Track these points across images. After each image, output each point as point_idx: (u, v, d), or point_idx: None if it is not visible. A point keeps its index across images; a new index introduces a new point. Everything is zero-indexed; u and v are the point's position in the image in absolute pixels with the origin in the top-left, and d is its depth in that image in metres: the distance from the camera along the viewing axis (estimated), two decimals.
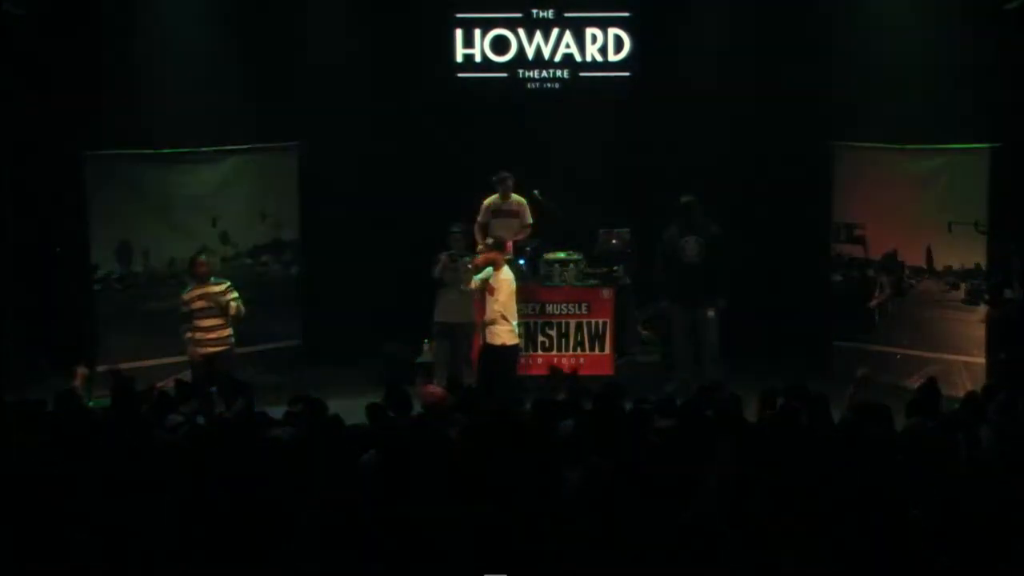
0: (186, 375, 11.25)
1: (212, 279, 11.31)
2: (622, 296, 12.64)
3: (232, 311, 11.13)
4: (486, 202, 13.04)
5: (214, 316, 11.13)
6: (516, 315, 11.61)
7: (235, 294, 11.24)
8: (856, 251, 13.17)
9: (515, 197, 13.03)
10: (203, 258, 11.43)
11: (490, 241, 11.75)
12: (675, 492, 6.70)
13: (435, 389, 10.05)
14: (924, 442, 7.73)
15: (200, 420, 9.13)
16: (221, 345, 11.15)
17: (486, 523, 6.18)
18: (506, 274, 11.56)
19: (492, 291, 11.40)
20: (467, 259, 12.14)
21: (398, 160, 14.00)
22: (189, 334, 11.15)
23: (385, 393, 9.03)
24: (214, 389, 10.14)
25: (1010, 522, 6.31)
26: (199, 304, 11.12)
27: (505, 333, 11.44)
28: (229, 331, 11.20)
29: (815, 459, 7.41)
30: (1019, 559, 6.08)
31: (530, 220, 13.03)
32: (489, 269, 11.48)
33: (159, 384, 10.38)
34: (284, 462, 7.31)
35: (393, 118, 13.95)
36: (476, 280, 11.55)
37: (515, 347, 11.64)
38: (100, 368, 12.13)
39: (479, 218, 13.05)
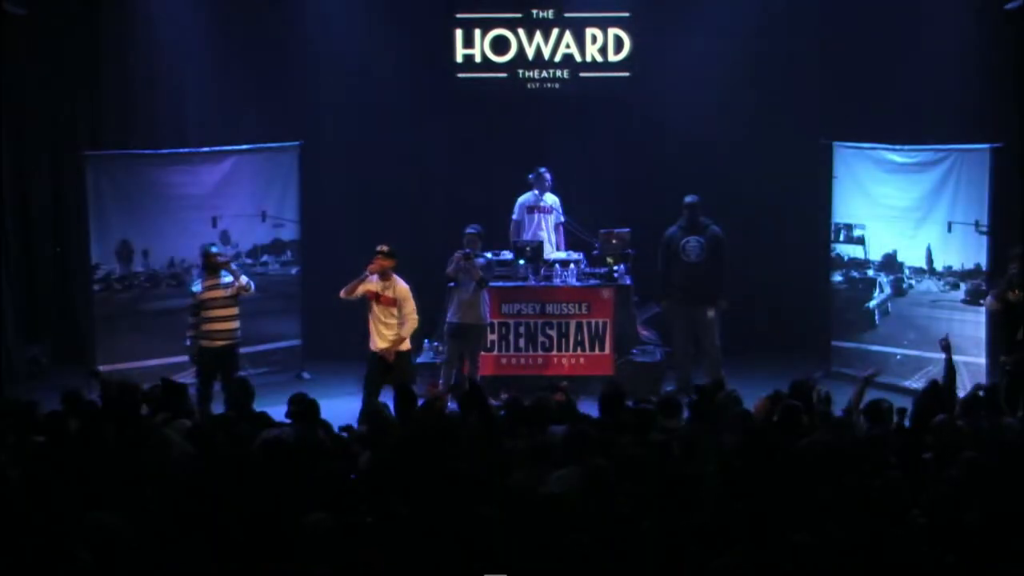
0: (180, 375, 11.23)
1: (222, 272, 11.32)
2: (622, 296, 12.64)
3: (243, 285, 11.09)
4: (520, 199, 13.09)
5: (224, 307, 11.14)
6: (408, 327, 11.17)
7: (246, 279, 11.26)
8: (856, 251, 13.18)
9: (550, 195, 13.07)
10: (215, 250, 11.39)
11: (385, 249, 11.12)
12: (677, 491, 6.69)
13: (441, 391, 10.04)
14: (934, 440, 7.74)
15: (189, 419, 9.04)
16: (229, 339, 11.16)
17: (485, 523, 6.18)
18: (403, 284, 11.13)
19: (389, 301, 11.01)
20: (481, 260, 12.12)
21: (398, 160, 14.00)
22: (193, 331, 11.13)
23: (394, 394, 9.02)
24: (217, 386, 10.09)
25: (1010, 523, 6.31)
26: (209, 295, 11.11)
27: (398, 341, 11.10)
28: (237, 324, 11.22)
29: (816, 458, 7.41)
30: (1019, 560, 6.08)
31: (563, 219, 13.06)
32: (375, 277, 11.04)
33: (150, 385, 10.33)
34: (284, 462, 7.30)
35: (393, 118, 13.95)
36: (359, 289, 11.06)
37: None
38: (99, 368, 12.16)
39: (513, 215, 13.09)
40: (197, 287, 11.20)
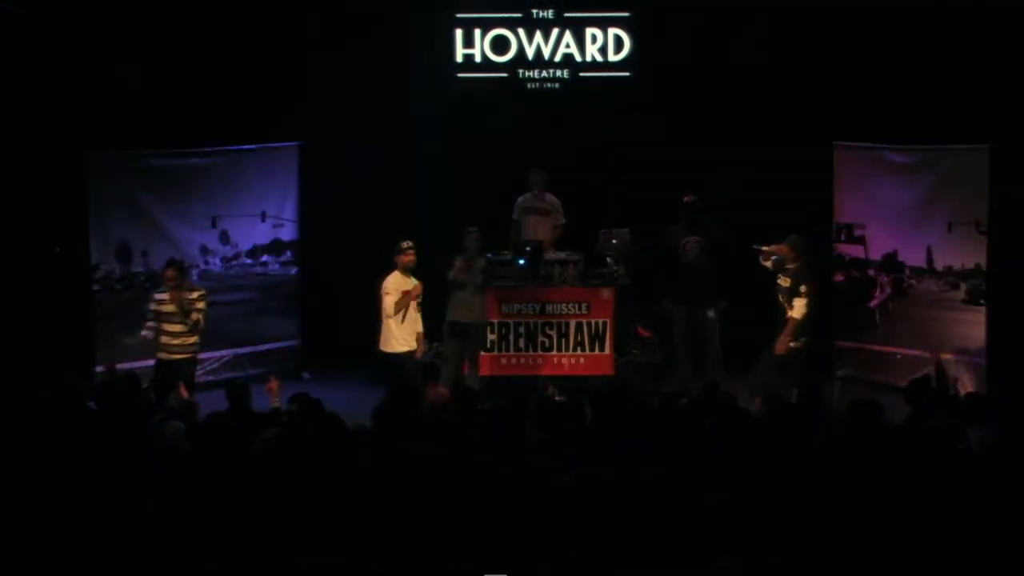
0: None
1: (187, 286, 11.25)
2: (622, 296, 12.64)
3: (192, 318, 11.07)
4: (520, 199, 13.13)
5: (181, 322, 11.11)
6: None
7: (203, 304, 11.19)
8: (856, 251, 13.18)
9: (549, 195, 13.10)
10: (171, 271, 11.22)
11: (407, 245, 11.34)
12: (676, 491, 6.69)
13: (442, 390, 10.03)
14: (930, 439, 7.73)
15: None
16: (185, 352, 11.10)
17: (485, 522, 6.18)
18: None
19: (416, 296, 11.21)
20: (481, 260, 12.13)
21: (398, 160, 14.01)
22: (152, 335, 11.09)
23: (393, 392, 9.00)
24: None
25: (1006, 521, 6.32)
26: (168, 307, 11.07)
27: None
28: (194, 338, 11.16)
29: (814, 456, 7.41)
30: (1017, 559, 6.08)
31: (563, 220, 13.08)
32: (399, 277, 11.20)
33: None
34: (283, 462, 7.30)
35: (393, 118, 13.96)
36: (396, 298, 11.17)
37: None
38: (99, 368, 12.17)
39: (513, 215, 13.14)
40: (159, 294, 11.19)
